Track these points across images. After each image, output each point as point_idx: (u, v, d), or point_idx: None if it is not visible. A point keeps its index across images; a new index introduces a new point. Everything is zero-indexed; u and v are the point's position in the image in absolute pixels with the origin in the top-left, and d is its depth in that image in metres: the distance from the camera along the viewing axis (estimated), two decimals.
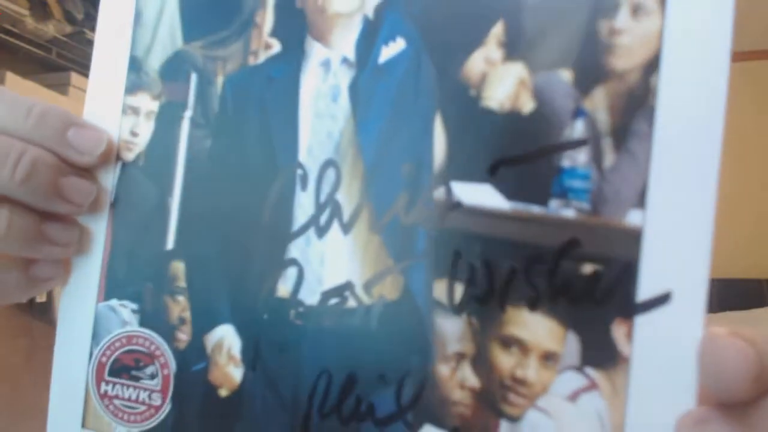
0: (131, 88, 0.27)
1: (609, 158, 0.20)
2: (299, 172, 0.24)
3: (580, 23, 0.21)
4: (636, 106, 0.20)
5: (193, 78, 0.26)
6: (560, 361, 0.20)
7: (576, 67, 0.21)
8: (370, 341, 0.23)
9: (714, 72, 0.18)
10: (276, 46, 0.25)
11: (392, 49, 0.23)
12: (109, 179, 0.26)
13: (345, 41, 0.24)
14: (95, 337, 0.26)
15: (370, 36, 0.23)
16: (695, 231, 0.18)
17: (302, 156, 0.24)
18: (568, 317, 0.20)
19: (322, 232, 0.24)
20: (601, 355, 0.19)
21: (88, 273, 0.27)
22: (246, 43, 0.25)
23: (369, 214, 0.23)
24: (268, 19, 0.25)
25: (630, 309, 0.19)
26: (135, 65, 0.27)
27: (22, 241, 0.24)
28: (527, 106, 0.21)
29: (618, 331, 0.19)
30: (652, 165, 0.19)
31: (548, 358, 0.20)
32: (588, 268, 0.20)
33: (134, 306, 0.26)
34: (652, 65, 0.19)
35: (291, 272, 0.24)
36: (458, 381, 0.21)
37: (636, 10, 0.20)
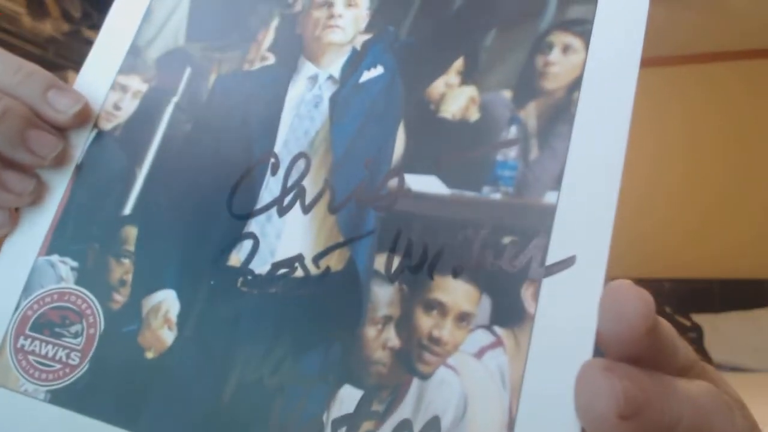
0: (125, 69, 0.33)
1: (534, 153, 0.25)
2: (272, 160, 0.29)
3: (522, 58, 0.27)
4: (560, 114, 0.25)
5: (187, 71, 0.32)
6: (473, 322, 0.23)
7: (515, 88, 0.26)
8: (309, 308, 0.26)
9: (623, 88, 0.24)
10: (271, 59, 0.31)
11: (372, 73, 0.30)
12: (80, 142, 0.31)
13: (333, 64, 0.30)
14: (26, 289, 0.29)
15: (355, 62, 0.30)
16: (600, 208, 0.22)
17: (277, 148, 0.29)
18: (484, 282, 0.23)
19: (283, 211, 0.28)
20: (509, 314, 0.22)
21: (36, 226, 0.30)
22: (244, 52, 0.31)
23: (330, 197, 0.27)
24: (268, 37, 0.32)
25: (539, 271, 0.22)
26: (134, 51, 0.33)
27: None
28: (474, 116, 0.27)
29: (526, 292, 0.22)
30: (568, 157, 0.24)
31: (462, 318, 0.23)
32: (507, 240, 0.23)
33: (74, 264, 0.29)
34: (575, 85, 0.25)
35: (246, 244, 0.28)
36: (382, 342, 0.24)
37: (566, 49, 0.26)
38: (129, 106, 0.32)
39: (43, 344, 0.28)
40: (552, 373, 0.21)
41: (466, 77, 0.28)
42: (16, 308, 0.29)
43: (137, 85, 0.32)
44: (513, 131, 0.26)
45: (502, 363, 0.22)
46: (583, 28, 0.27)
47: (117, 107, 0.32)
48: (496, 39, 0.29)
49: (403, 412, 0.23)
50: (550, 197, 0.24)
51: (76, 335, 0.28)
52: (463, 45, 0.29)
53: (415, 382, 0.23)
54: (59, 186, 0.31)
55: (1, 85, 0.29)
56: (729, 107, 2.06)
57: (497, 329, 0.23)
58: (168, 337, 0.27)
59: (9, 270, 0.30)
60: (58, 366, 0.28)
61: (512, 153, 0.26)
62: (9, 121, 0.28)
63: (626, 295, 0.20)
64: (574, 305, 0.22)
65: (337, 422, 0.24)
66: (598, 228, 0.23)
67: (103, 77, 0.32)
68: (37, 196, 0.30)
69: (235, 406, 0.25)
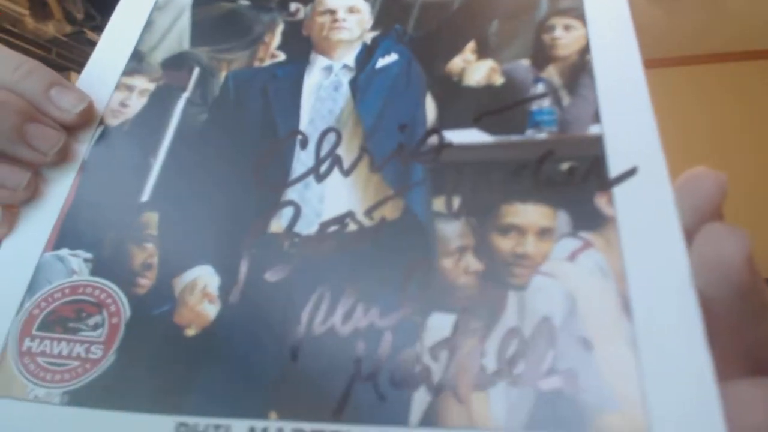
0: (129, 71, 0.34)
1: (566, 100, 0.28)
2: (299, 137, 0.29)
3: (529, 37, 0.31)
4: (579, 71, 0.29)
5: (196, 70, 0.33)
6: (555, 233, 0.24)
7: (532, 57, 0.30)
8: (371, 255, 0.26)
9: (627, 43, 0.29)
10: (281, 56, 0.33)
11: (387, 60, 0.32)
12: (86, 138, 0.31)
13: (346, 56, 0.33)
14: (31, 288, 0.27)
15: (368, 53, 0.33)
16: (644, 132, 0.26)
17: (303, 126, 0.30)
18: (555, 201, 0.25)
19: (321, 178, 0.28)
20: (591, 220, 0.24)
21: (39, 223, 0.29)
22: (253, 52, 0.33)
23: (369, 160, 0.28)
24: (275, 40, 0.33)
25: (607, 183, 0.25)
26: (137, 56, 0.34)
27: None
28: (498, 81, 0.30)
29: (600, 201, 0.24)
30: (599, 99, 0.27)
31: (544, 233, 0.24)
32: (565, 166, 0.26)
33: (88, 255, 0.28)
34: (584, 50, 0.29)
35: (287, 211, 0.28)
36: (462, 269, 0.24)
37: (567, 27, 0.31)
38: (136, 103, 0.32)
39: (55, 342, 0.25)
40: (653, 254, 0.23)
41: (482, 54, 0.32)
42: (19, 310, 0.26)
43: (144, 84, 0.33)
44: (540, 88, 0.30)
45: (598, 259, 0.23)
46: (576, 13, 0.32)
47: (123, 105, 0.32)
48: (500, 27, 0.33)
49: (508, 322, 0.23)
50: (594, 129, 0.27)
51: (95, 327, 0.26)
52: (471, 32, 0.33)
53: (512, 295, 0.23)
54: (64, 182, 0.30)
55: (2, 82, 0.28)
56: (731, 108, 2.22)
57: (583, 234, 0.24)
58: (210, 310, 0.25)
59: (8, 270, 0.27)
60: (76, 363, 0.25)
61: (545, 103, 0.29)
62: (5, 115, 0.27)
63: (700, 173, 0.23)
64: (650, 201, 0.24)
65: (435, 348, 0.23)
66: (648, 146, 0.26)
67: (107, 78, 0.33)
68: (34, 192, 0.29)
69: (310, 360, 0.23)
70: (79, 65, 1.47)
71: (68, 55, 1.43)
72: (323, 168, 0.29)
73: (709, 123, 2.31)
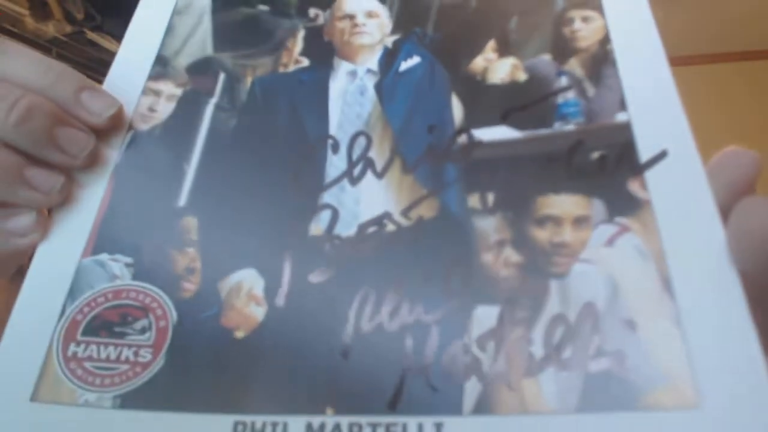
0: (155, 76, 0.34)
1: (591, 91, 0.29)
2: (330, 141, 0.30)
3: (549, 31, 0.32)
4: (602, 61, 0.30)
5: (222, 76, 0.34)
6: (592, 221, 0.25)
7: (553, 51, 0.31)
8: (412, 254, 0.27)
9: (648, 31, 0.29)
10: (305, 62, 0.34)
11: (409, 63, 0.33)
12: (117, 142, 0.31)
13: (369, 61, 0.34)
14: (72, 293, 0.28)
15: (391, 56, 0.34)
16: (671, 116, 0.26)
17: (332, 130, 0.31)
18: (588, 189, 0.26)
19: (355, 181, 0.29)
20: (625, 205, 0.25)
21: (76, 228, 0.29)
22: (277, 57, 0.34)
23: (401, 162, 0.29)
24: (297, 45, 0.34)
25: (638, 168, 0.25)
26: (161, 61, 0.35)
27: (0, 178, 0.27)
28: (522, 77, 0.31)
29: (633, 185, 0.25)
30: (624, 87, 0.28)
31: (580, 221, 0.25)
32: (596, 155, 0.26)
33: (128, 260, 0.28)
34: (605, 41, 0.30)
35: (324, 214, 0.28)
36: (503, 262, 0.25)
37: (585, 19, 0.32)
38: (165, 108, 0.33)
39: (102, 347, 0.26)
40: (690, 233, 0.23)
41: (503, 52, 0.33)
42: (61, 315, 0.27)
43: (170, 89, 0.33)
44: (563, 81, 0.30)
45: (636, 243, 0.24)
46: (594, 4, 0.32)
47: (152, 109, 0.33)
48: (519, 23, 0.34)
49: (552, 309, 0.24)
50: (621, 116, 0.28)
51: (143, 331, 0.26)
52: (490, 30, 0.34)
53: (554, 283, 0.24)
54: (98, 187, 0.30)
55: (32, 85, 0.29)
56: (731, 108, 2.22)
57: (619, 219, 0.25)
58: (258, 313, 0.26)
59: (47, 275, 0.28)
60: (125, 367, 0.25)
61: (570, 95, 0.30)
62: (35, 118, 0.28)
63: (732, 151, 0.23)
64: (683, 182, 0.25)
65: (483, 338, 0.24)
66: (675, 128, 0.26)
67: (134, 83, 0.33)
68: (68, 195, 0.29)
69: (360, 357, 0.24)
70: (79, 65, 1.46)
71: (68, 56, 1.43)
72: (356, 171, 0.30)
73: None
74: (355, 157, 0.30)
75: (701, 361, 0.21)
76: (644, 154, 0.26)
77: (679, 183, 0.25)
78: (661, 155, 0.26)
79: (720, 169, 0.24)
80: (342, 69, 0.34)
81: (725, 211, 0.23)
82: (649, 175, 0.26)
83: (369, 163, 0.30)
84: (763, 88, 2.40)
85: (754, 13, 2.15)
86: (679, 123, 0.27)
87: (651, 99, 0.28)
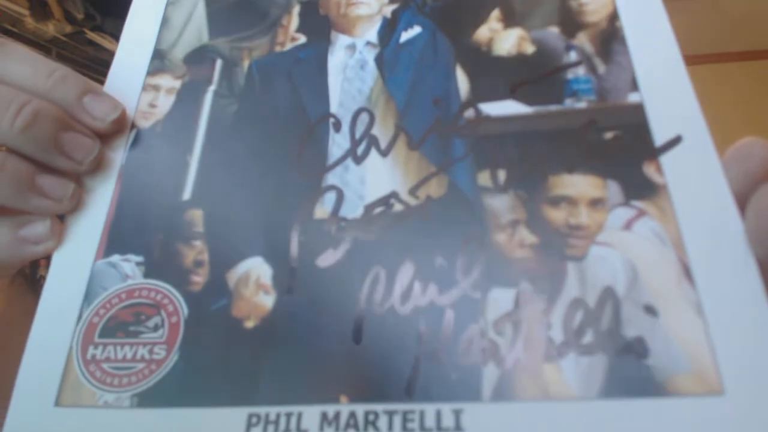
0: (153, 71, 0.34)
1: (601, 68, 0.29)
2: (332, 120, 0.29)
3: (554, 3, 0.31)
4: (611, 38, 0.29)
5: (219, 62, 0.33)
6: (608, 203, 0.25)
7: (561, 24, 0.30)
8: (421, 234, 0.26)
9: (654, 7, 0.29)
10: (302, 39, 0.33)
11: (410, 33, 0.32)
12: (121, 144, 0.31)
13: (368, 32, 0.32)
14: (87, 297, 0.28)
15: (390, 27, 0.32)
16: (683, 98, 0.26)
17: (333, 108, 0.30)
18: (603, 170, 0.26)
19: (360, 159, 0.28)
20: (642, 188, 0.25)
21: (88, 232, 0.29)
22: (272, 37, 0.33)
23: (406, 138, 0.28)
24: (293, 22, 0.33)
25: (654, 151, 0.25)
26: (158, 55, 0.34)
27: (12, 187, 0.27)
28: (529, 50, 0.30)
29: (649, 169, 0.25)
30: (635, 65, 0.28)
31: (596, 203, 0.25)
32: (609, 134, 0.26)
33: (139, 258, 0.28)
34: (613, 16, 0.30)
35: (329, 196, 0.28)
36: (517, 242, 0.25)
37: None
38: (165, 103, 0.32)
39: (119, 347, 0.26)
40: (707, 220, 0.24)
41: (508, 22, 0.32)
42: (78, 319, 0.27)
43: (169, 83, 0.33)
44: (573, 56, 0.30)
45: (654, 227, 0.24)
46: None
47: (152, 105, 0.32)
48: None
49: (570, 293, 0.23)
50: (633, 97, 0.28)
51: (156, 328, 0.26)
52: (494, 0, 0.33)
53: (571, 266, 0.24)
54: (106, 189, 0.30)
55: (34, 89, 0.28)
56: (731, 109, 2.24)
57: (635, 203, 0.25)
58: (267, 301, 0.26)
59: (64, 282, 0.28)
60: (141, 365, 0.25)
61: (580, 71, 0.29)
62: (41, 124, 0.27)
63: (750, 141, 0.23)
64: (698, 167, 0.25)
65: (500, 321, 0.23)
66: (688, 112, 0.26)
67: (133, 81, 0.33)
68: (79, 201, 0.29)
69: (373, 341, 0.24)
70: (79, 65, 1.48)
71: (68, 55, 1.44)
72: (360, 149, 0.29)
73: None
74: (358, 134, 0.29)
75: (723, 348, 0.21)
76: (658, 137, 0.26)
77: (695, 168, 0.25)
78: (676, 140, 0.26)
79: (737, 159, 0.24)
80: (340, 43, 0.33)
81: (742, 201, 0.23)
82: (665, 159, 0.26)
83: (372, 141, 0.29)
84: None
85: (754, 13, 2.19)
86: (692, 106, 0.26)
87: (662, 80, 0.28)
